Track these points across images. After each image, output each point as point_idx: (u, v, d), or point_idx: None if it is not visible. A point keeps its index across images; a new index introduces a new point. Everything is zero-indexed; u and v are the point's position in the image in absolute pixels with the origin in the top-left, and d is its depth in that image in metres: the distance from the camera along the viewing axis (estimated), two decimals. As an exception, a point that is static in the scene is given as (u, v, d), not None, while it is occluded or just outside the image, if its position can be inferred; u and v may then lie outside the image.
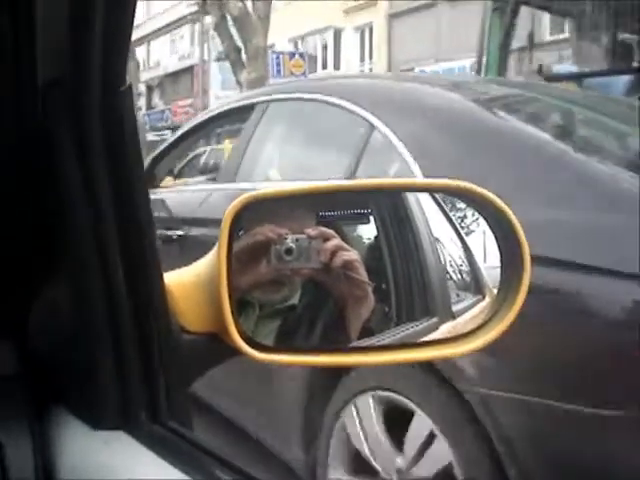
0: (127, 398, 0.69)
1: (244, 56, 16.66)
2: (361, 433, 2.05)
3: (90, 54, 0.64)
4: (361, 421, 2.07)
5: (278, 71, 20.49)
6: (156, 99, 38.39)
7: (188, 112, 34.09)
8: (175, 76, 22.35)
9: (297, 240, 0.72)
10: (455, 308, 0.82)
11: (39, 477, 0.69)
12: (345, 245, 0.74)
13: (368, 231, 0.81)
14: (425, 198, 0.85)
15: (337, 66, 25.59)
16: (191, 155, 14.38)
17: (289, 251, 0.72)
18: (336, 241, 0.73)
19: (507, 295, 0.75)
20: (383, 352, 0.77)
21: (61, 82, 0.66)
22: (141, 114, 37.25)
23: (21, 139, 0.70)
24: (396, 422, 1.97)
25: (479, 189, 0.75)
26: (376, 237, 0.81)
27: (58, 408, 0.73)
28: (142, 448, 0.66)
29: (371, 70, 25.25)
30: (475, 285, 0.85)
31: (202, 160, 12.90)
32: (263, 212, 0.73)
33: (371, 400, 2.02)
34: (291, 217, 0.74)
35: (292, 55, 23.79)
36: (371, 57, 25.94)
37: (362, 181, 0.74)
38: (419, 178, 0.71)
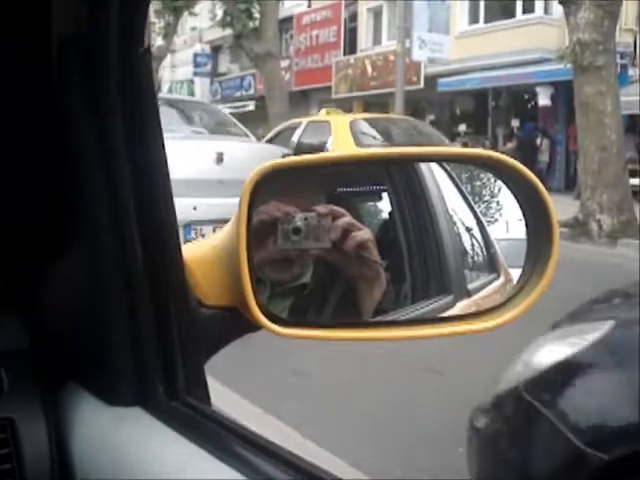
0: (144, 374, 0.83)
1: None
2: None
3: (108, 13, 0.76)
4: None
5: None
6: (226, 63, 39.13)
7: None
8: (256, 33, 22.07)
9: (306, 219, 0.84)
10: (470, 286, 0.97)
11: (53, 454, 0.83)
12: (357, 223, 0.86)
13: (382, 207, 0.94)
14: (441, 175, 0.99)
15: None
16: (279, 128, 13.41)
17: (297, 230, 0.84)
18: (347, 219, 0.85)
19: (535, 268, 0.89)
20: (404, 327, 0.91)
21: (77, 41, 0.78)
22: (202, 81, 37.74)
23: (35, 102, 0.82)
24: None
25: (510, 160, 0.88)
26: (390, 213, 0.94)
27: (73, 384, 0.87)
28: (160, 424, 0.80)
29: None
30: (490, 263, 0.99)
31: (297, 135, 12.28)
32: (281, 184, 0.86)
33: None
34: (305, 194, 0.87)
35: None
36: None
37: (384, 150, 0.89)
38: (447, 147, 0.85)
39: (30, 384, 0.86)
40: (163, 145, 0.82)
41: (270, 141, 12.93)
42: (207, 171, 7.22)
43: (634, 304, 2.75)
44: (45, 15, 0.77)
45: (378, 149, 0.88)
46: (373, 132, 12.01)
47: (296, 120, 14.36)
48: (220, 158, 7.47)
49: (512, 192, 0.92)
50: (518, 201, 0.92)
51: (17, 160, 0.86)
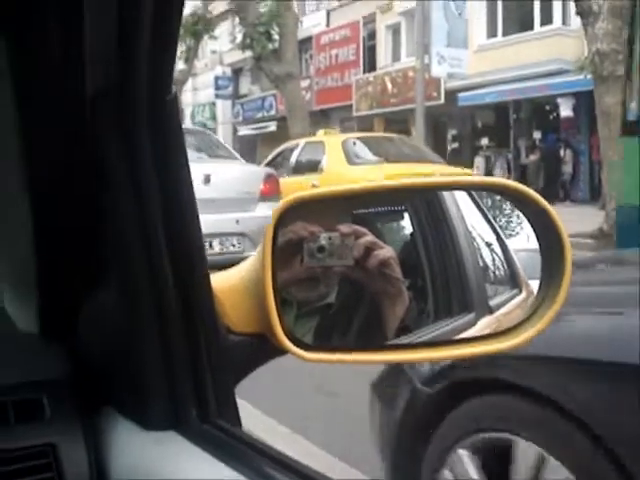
0: (177, 398, 0.86)
1: None
2: None
3: (137, 65, 0.80)
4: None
5: None
6: (247, 85, 39.35)
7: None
8: (276, 54, 22.25)
9: (330, 238, 0.89)
10: (492, 303, 0.99)
11: (93, 477, 0.86)
12: (379, 242, 0.90)
13: (404, 228, 0.98)
14: (460, 194, 1.02)
15: None
16: (280, 149, 14.52)
17: (321, 249, 0.88)
18: (369, 238, 0.89)
19: (548, 293, 0.91)
20: (424, 349, 0.94)
21: (109, 93, 0.82)
22: (224, 104, 37.90)
23: (71, 147, 0.86)
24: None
25: (521, 186, 0.91)
26: (412, 234, 0.97)
27: (109, 409, 0.91)
28: (193, 447, 0.83)
29: None
30: (511, 279, 1.02)
31: (295, 156, 13.55)
32: (305, 214, 0.90)
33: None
34: (329, 216, 0.90)
35: None
36: None
37: (403, 181, 0.93)
38: (460, 177, 0.89)
39: (70, 410, 0.90)
40: (191, 183, 0.87)
41: (272, 161, 14.11)
42: (196, 191, 7.67)
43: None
44: (79, 70, 0.81)
45: (397, 181, 0.92)
46: (365, 150, 13.02)
47: (294, 141, 15.37)
48: (207, 179, 8.20)
49: (525, 216, 0.95)
50: (531, 225, 0.95)
51: (56, 199, 0.90)
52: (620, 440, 2.03)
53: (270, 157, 14.76)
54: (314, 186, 10.02)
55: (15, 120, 0.87)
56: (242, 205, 8.78)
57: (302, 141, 14.75)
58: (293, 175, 12.92)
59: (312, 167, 13.06)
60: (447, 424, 2.54)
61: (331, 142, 13.42)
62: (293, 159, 13.77)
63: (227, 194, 8.49)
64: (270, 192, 9.23)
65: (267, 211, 8.73)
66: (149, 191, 0.85)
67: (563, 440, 2.17)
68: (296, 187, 10.23)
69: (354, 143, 13.15)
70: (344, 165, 12.50)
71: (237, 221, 8.58)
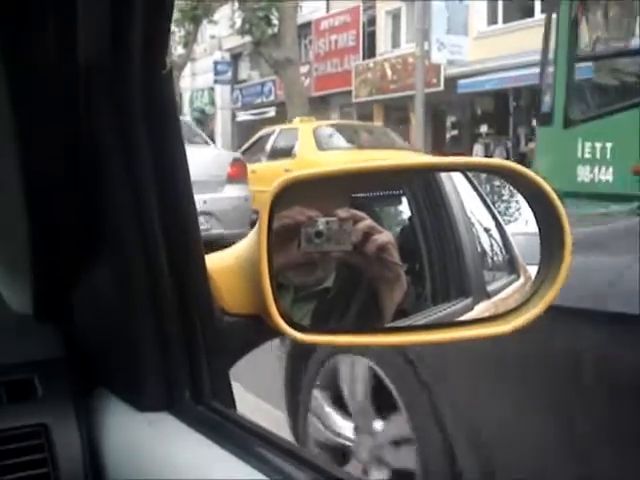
0: (171, 380, 0.86)
1: None
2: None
3: (131, 38, 0.79)
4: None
5: None
6: (246, 70, 39.23)
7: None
8: (275, 40, 22.12)
9: (328, 223, 0.88)
10: (490, 288, 0.99)
11: (85, 458, 0.86)
12: (377, 226, 0.89)
13: (402, 211, 0.97)
14: (458, 177, 1.02)
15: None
16: (257, 135, 15.48)
17: (319, 234, 0.87)
18: (367, 222, 0.89)
19: (548, 274, 0.90)
20: (422, 332, 0.93)
21: (102, 68, 0.81)
22: (223, 89, 37.87)
23: (63, 124, 0.85)
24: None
25: (520, 167, 0.91)
26: (410, 218, 0.97)
27: (103, 390, 0.90)
28: (186, 428, 0.83)
29: None
30: (509, 265, 1.01)
31: (270, 142, 14.31)
32: (301, 195, 0.89)
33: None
34: (326, 200, 0.89)
35: None
36: None
37: (400, 161, 0.92)
38: (458, 157, 0.88)
39: (63, 391, 0.90)
40: (186, 161, 0.86)
41: (249, 147, 15.05)
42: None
43: None
44: (72, 43, 0.80)
45: (393, 162, 0.91)
46: (339, 137, 14.02)
47: (271, 128, 16.08)
48: None
49: (524, 198, 0.95)
50: (530, 206, 0.94)
51: (50, 180, 0.89)
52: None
53: (248, 143, 15.55)
54: (287, 171, 10.59)
55: (7, 95, 0.86)
56: (210, 186, 9.38)
57: (278, 128, 15.51)
58: (269, 160, 13.73)
59: (286, 153, 13.67)
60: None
61: (304, 129, 14.18)
62: (269, 145, 14.55)
63: (196, 176, 8.83)
64: (236, 175, 9.96)
65: (233, 192, 9.63)
66: (143, 166, 0.84)
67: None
68: (272, 172, 11.29)
69: (330, 135, 14.03)
70: (315, 151, 13.26)
71: (205, 201, 9.11)
